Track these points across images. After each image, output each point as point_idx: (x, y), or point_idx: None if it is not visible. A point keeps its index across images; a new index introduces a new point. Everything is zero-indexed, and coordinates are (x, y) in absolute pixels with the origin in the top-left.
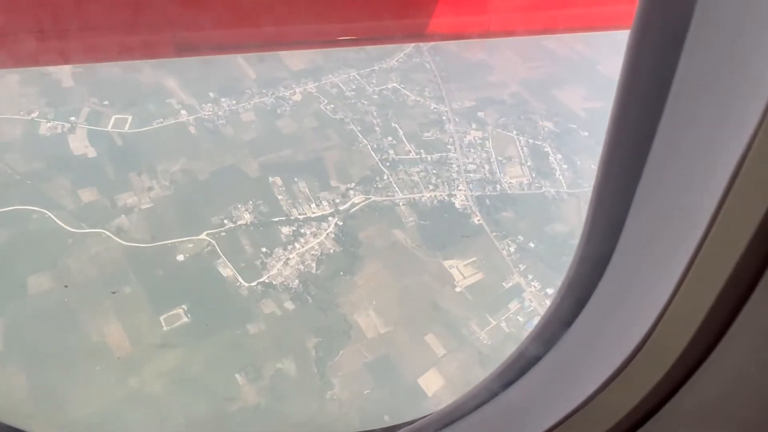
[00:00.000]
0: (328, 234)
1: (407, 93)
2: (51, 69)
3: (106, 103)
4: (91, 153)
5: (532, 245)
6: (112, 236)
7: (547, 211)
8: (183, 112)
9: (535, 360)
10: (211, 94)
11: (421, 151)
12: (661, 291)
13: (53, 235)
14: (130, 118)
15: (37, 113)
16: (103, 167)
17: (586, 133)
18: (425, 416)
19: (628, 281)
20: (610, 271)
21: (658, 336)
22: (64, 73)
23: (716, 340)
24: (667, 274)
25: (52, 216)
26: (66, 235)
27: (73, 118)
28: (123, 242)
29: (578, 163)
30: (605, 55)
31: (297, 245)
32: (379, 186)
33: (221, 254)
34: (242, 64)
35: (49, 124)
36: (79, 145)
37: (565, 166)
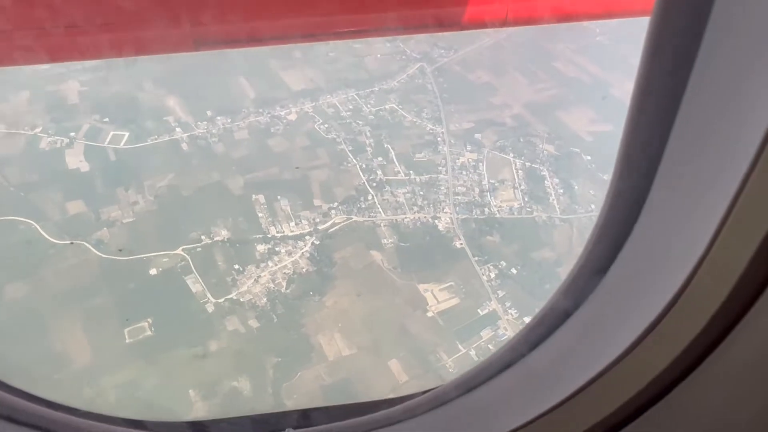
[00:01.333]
0: (303, 253)
1: (404, 114)
2: (59, 86)
3: (107, 119)
4: (85, 167)
5: (515, 271)
6: (91, 248)
7: (535, 237)
8: (178, 129)
9: (565, 315)
10: (209, 113)
11: (411, 172)
12: (703, 232)
13: (36, 246)
14: (126, 134)
15: (40, 128)
16: (93, 181)
17: (589, 158)
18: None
19: (668, 220)
20: (647, 210)
21: (695, 286)
22: (70, 90)
23: (760, 290)
24: (711, 210)
25: (37, 227)
26: (48, 245)
27: (72, 134)
28: (100, 254)
29: (576, 188)
30: (618, 78)
31: (270, 263)
32: (363, 206)
33: (193, 269)
34: (243, 84)
35: (49, 139)
36: (75, 159)
37: (561, 191)
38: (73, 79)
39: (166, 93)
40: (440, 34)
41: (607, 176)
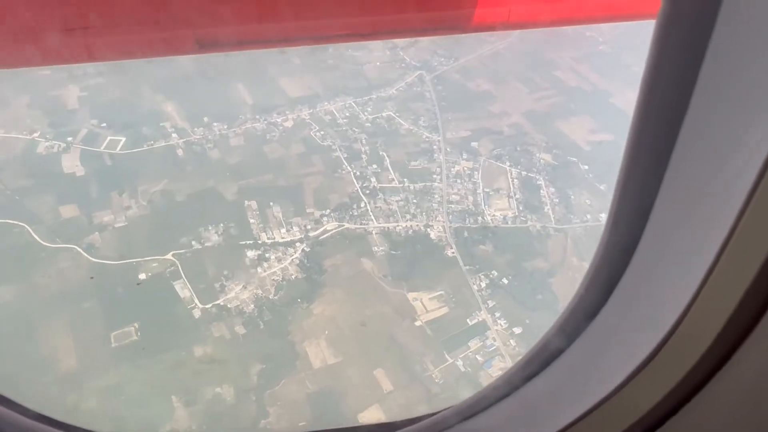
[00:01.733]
0: (293, 260)
1: (401, 121)
2: (60, 92)
3: (104, 125)
4: (80, 172)
5: (506, 281)
6: (82, 252)
7: (529, 246)
8: (174, 135)
9: (558, 353)
10: (206, 119)
11: (405, 180)
12: (690, 281)
13: (28, 249)
14: (123, 139)
15: (39, 133)
16: (88, 185)
17: (587, 167)
18: (445, 408)
19: (656, 271)
20: (637, 260)
21: (685, 328)
22: (70, 95)
23: (746, 332)
24: (697, 262)
25: (30, 230)
26: (39, 249)
27: (70, 139)
28: (91, 258)
29: (572, 197)
30: (620, 87)
31: (259, 270)
32: (355, 214)
33: (182, 275)
34: (241, 90)
35: (46, 144)
36: (71, 163)
37: (556, 201)
38: (74, 84)
39: (165, 99)
40: (441, 41)
41: (605, 186)
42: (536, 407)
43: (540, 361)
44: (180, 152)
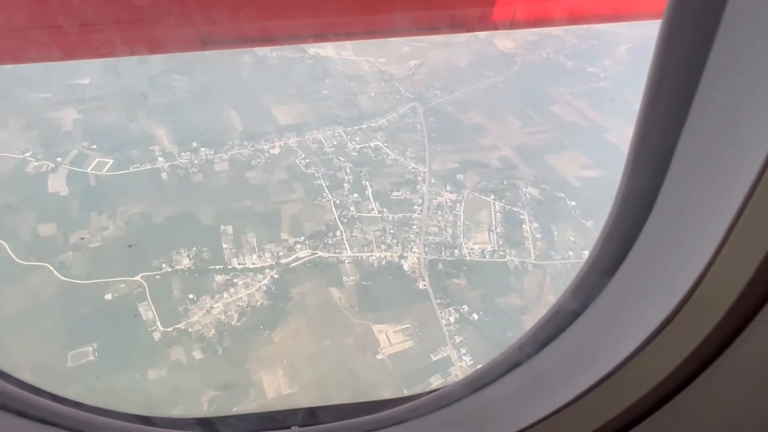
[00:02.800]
0: (260, 286)
1: (388, 152)
2: (56, 114)
3: (95, 146)
4: (65, 191)
5: (476, 317)
6: (53, 270)
7: (504, 282)
8: (161, 158)
9: (573, 316)
10: (194, 144)
11: (384, 210)
12: (714, 234)
13: (1, 265)
14: (111, 161)
15: (30, 153)
16: (69, 205)
17: (574, 203)
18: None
19: (679, 220)
20: (658, 209)
21: (705, 287)
22: (67, 117)
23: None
24: (721, 213)
25: (6, 247)
26: (13, 266)
27: (59, 159)
28: (61, 277)
29: (555, 233)
30: (618, 124)
31: (225, 295)
32: (330, 242)
33: (148, 297)
34: (232, 116)
35: (36, 163)
36: (57, 183)
37: (539, 236)
38: (72, 107)
39: (157, 123)
40: (438, 74)
41: (591, 223)
42: (549, 376)
43: (554, 327)
44: (164, 175)
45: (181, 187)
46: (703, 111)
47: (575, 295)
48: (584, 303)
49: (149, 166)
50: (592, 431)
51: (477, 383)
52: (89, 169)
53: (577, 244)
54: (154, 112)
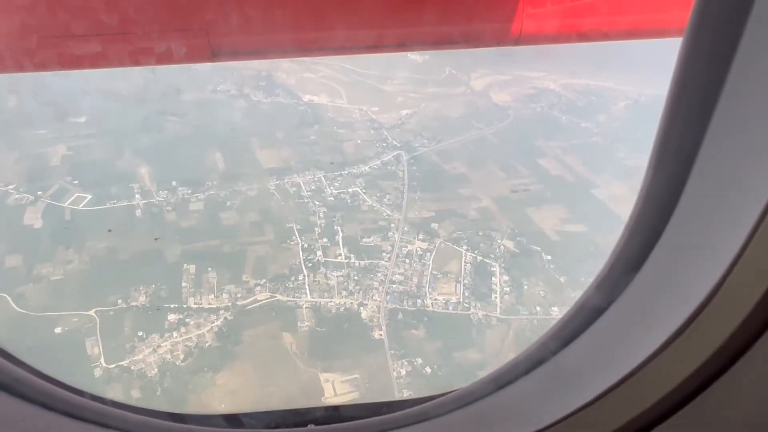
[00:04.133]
0: (212, 327)
1: (365, 198)
2: (47, 149)
3: (76, 182)
4: (38, 224)
5: (429, 370)
6: (10, 301)
7: (465, 335)
8: (138, 196)
9: (597, 313)
10: (174, 183)
11: (352, 256)
12: (741, 229)
13: None
14: (89, 197)
15: (14, 186)
16: (40, 238)
17: (549, 257)
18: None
19: (704, 216)
20: (683, 206)
21: (731, 284)
22: (56, 153)
23: None
24: (748, 207)
25: None
26: None
27: (40, 192)
28: (17, 308)
29: (525, 287)
30: (606, 179)
31: (176, 334)
32: (290, 286)
33: (97, 332)
34: (217, 158)
35: (17, 196)
36: (33, 216)
37: (507, 289)
38: (64, 143)
39: (142, 162)
40: (428, 124)
41: (565, 278)
42: (572, 374)
43: (577, 324)
44: (138, 212)
45: (153, 224)
46: (729, 110)
47: (598, 292)
48: (607, 300)
49: (126, 203)
50: (614, 429)
51: (500, 381)
52: (67, 203)
53: (546, 300)
54: (143, 151)
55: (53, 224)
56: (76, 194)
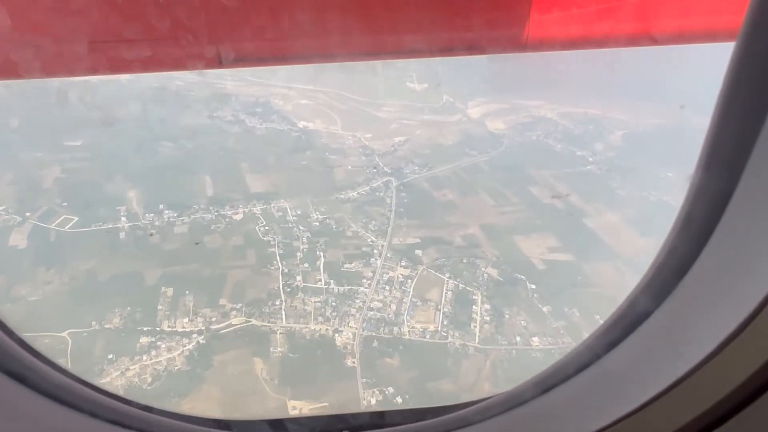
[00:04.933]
0: (184, 351)
1: (350, 223)
2: (42, 172)
3: (65, 204)
4: (23, 245)
5: (400, 400)
6: None
7: (440, 365)
8: (124, 219)
9: (644, 316)
10: (161, 206)
11: (332, 281)
12: None
13: None
14: (76, 219)
15: (4, 207)
16: (23, 259)
17: (534, 286)
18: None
19: (756, 217)
20: (732, 208)
21: None
22: (50, 175)
23: None
24: None
25: None
26: None
27: (28, 214)
28: None
29: (507, 317)
30: (597, 208)
31: (145, 357)
32: (267, 311)
33: (68, 354)
34: (206, 182)
35: (6, 217)
36: (18, 237)
37: (487, 318)
38: (58, 166)
39: (132, 185)
40: (421, 151)
41: (548, 308)
42: (618, 378)
43: (623, 327)
44: (122, 235)
45: (136, 247)
46: None
47: (646, 294)
48: (655, 301)
49: (111, 225)
50: None
51: (546, 384)
52: (53, 225)
53: (527, 330)
54: (133, 174)
55: (37, 245)
56: (64, 216)
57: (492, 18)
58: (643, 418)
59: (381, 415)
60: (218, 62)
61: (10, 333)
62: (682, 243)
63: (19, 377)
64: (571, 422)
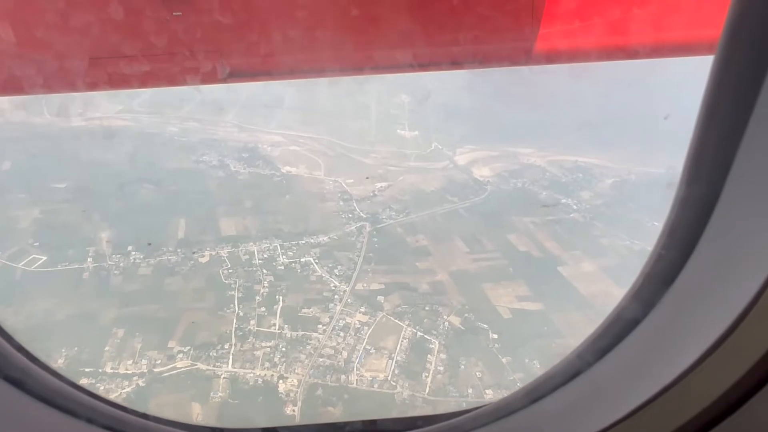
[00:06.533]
0: (121, 393)
1: (316, 268)
2: (21, 212)
3: (37, 244)
4: None
5: None
6: None
7: (383, 416)
8: (90, 259)
9: (632, 325)
10: (129, 248)
11: (286, 326)
12: None
13: None
14: (44, 258)
15: None
16: None
17: (496, 336)
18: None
19: (739, 227)
20: (717, 217)
21: None
22: (28, 216)
23: None
24: None
25: None
26: None
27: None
28: None
29: (462, 367)
30: (575, 257)
31: None
32: (214, 354)
33: None
34: (179, 224)
35: None
36: None
37: (441, 368)
38: (38, 207)
39: (107, 227)
40: (399, 197)
41: (508, 359)
42: (608, 387)
43: (612, 336)
44: (86, 275)
45: (96, 287)
46: (763, 121)
47: (634, 304)
48: (643, 311)
49: (76, 266)
50: None
51: (535, 393)
52: (21, 264)
53: (482, 381)
54: (109, 216)
55: (1, 284)
56: (32, 255)
57: (497, 31)
58: (632, 425)
59: (374, 423)
60: (215, 77)
61: (8, 338)
62: (668, 251)
63: (17, 383)
64: (561, 430)
